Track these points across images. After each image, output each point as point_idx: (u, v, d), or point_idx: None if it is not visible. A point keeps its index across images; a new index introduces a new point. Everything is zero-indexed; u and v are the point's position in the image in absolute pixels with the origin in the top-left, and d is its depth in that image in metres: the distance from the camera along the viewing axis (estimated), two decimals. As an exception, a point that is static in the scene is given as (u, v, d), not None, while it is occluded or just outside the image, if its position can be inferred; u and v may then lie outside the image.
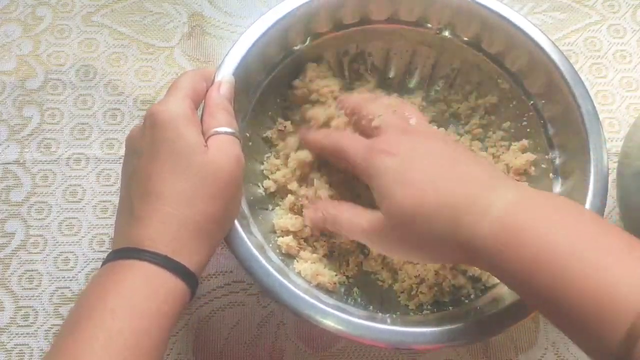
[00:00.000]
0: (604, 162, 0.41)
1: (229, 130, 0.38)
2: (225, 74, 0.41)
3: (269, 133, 0.48)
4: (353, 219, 0.39)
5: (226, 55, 0.42)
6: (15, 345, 0.45)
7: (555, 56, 0.43)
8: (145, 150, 0.36)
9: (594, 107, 0.42)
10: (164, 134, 0.35)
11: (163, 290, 0.32)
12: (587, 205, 0.40)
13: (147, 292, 0.32)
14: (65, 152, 0.50)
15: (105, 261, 0.34)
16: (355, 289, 0.44)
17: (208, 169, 0.35)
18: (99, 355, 0.29)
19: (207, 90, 0.40)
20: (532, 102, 0.46)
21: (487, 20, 0.45)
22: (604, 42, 0.55)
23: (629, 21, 0.56)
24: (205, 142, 0.37)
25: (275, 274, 0.38)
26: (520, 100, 0.46)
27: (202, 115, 0.39)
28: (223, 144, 0.37)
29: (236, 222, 0.39)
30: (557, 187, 0.44)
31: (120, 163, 0.50)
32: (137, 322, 0.31)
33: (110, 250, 0.35)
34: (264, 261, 0.38)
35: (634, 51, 0.55)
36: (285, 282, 0.37)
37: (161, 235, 0.33)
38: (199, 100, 0.39)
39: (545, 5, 0.57)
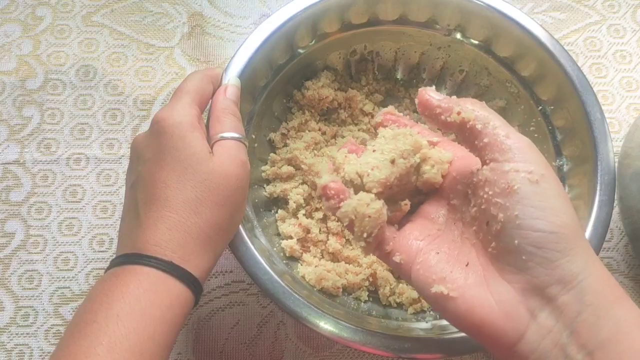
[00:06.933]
0: (612, 171, 0.40)
1: (235, 135, 0.37)
2: (232, 77, 0.41)
3: (272, 135, 0.48)
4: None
5: (232, 57, 0.42)
6: (15, 345, 0.45)
7: (566, 64, 0.43)
8: (151, 157, 0.36)
9: (602, 114, 0.42)
10: (169, 141, 0.35)
11: (168, 296, 0.32)
12: (592, 216, 0.39)
13: (152, 297, 0.32)
14: (65, 152, 0.50)
15: (110, 266, 0.34)
16: (359, 294, 0.44)
17: (214, 177, 0.35)
18: (104, 359, 0.29)
19: (213, 93, 0.40)
20: (540, 107, 0.46)
21: (498, 24, 0.45)
22: (604, 42, 0.55)
23: (629, 21, 0.56)
24: (212, 147, 0.37)
25: (279, 280, 0.38)
26: (529, 105, 0.46)
27: (208, 119, 0.39)
28: (229, 149, 0.37)
29: (240, 226, 0.39)
30: None
31: (120, 163, 0.50)
32: (141, 327, 0.31)
33: (114, 255, 0.35)
34: (268, 268, 0.38)
35: (634, 51, 0.55)
36: (289, 289, 0.37)
37: (167, 242, 0.33)
38: (205, 104, 0.39)
39: (545, 5, 0.57)
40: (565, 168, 0.44)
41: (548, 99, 0.45)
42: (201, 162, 0.35)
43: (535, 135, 0.46)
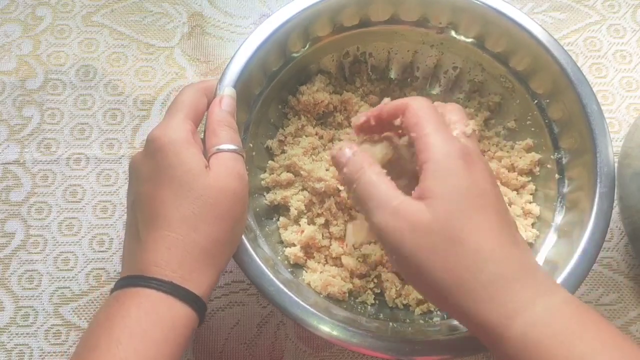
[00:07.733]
0: (611, 162, 0.40)
1: (231, 147, 0.37)
2: (226, 87, 0.40)
3: (269, 143, 0.47)
4: (383, 188, 0.32)
5: (226, 67, 0.41)
6: (15, 345, 0.45)
7: (560, 56, 0.43)
8: (148, 176, 0.35)
9: (599, 106, 0.41)
10: (165, 159, 0.35)
11: (170, 317, 0.32)
12: (594, 208, 0.39)
13: (153, 319, 0.32)
14: (65, 152, 0.50)
15: (114, 289, 0.34)
16: (365, 297, 0.44)
17: (210, 192, 0.34)
18: None
19: (208, 105, 0.39)
20: (536, 101, 0.45)
21: (490, 20, 0.44)
22: (604, 42, 0.55)
23: (629, 21, 0.56)
24: (208, 160, 0.36)
25: (286, 290, 0.37)
26: (524, 99, 0.46)
27: (204, 132, 0.38)
28: (226, 162, 0.36)
29: (243, 236, 0.38)
30: (564, 188, 0.44)
31: (120, 163, 0.50)
32: (143, 350, 0.31)
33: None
34: (273, 278, 0.38)
35: (634, 51, 0.55)
36: (296, 298, 0.37)
37: (167, 262, 0.33)
38: (200, 117, 0.39)
39: (545, 5, 0.57)
40: (564, 160, 0.44)
41: (543, 93, 0.45)
42: (197, 178, 0.34)
43: (532, 129, 0.46)
